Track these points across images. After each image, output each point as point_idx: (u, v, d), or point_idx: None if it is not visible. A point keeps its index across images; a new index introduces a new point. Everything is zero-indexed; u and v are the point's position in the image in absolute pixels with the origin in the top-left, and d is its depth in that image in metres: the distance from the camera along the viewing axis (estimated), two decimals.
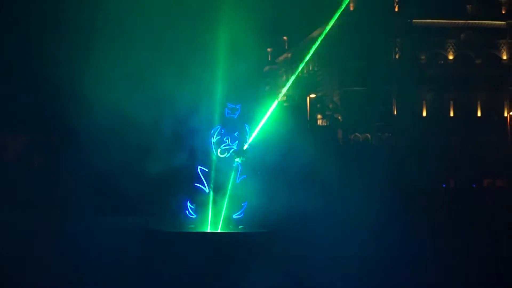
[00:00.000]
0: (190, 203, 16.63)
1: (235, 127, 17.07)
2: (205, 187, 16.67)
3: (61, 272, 19.43)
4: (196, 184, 16.62)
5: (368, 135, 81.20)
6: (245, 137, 17.11)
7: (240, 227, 16.93)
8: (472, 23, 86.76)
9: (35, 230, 22.24)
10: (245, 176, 17.02)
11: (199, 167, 16.76)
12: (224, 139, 16.87)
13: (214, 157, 16.86)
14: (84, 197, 22.53)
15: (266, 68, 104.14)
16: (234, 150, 17.01)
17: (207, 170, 16.74)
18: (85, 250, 19.91)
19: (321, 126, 76.13)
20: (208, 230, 16.59)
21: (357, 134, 79.78)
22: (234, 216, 16.93)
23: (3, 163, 26.79)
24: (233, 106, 17.06)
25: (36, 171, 25.64)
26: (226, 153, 16.94)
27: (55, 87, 25.90)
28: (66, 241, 21.33)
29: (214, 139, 16.89)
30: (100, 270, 18.12)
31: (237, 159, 16.86)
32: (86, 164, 23.11)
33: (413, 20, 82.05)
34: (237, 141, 17.00)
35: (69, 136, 24.91)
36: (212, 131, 16.93)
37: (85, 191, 22.52)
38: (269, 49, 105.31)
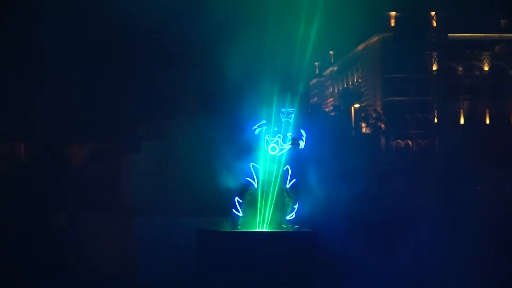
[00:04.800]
0: (240, 198, 16.01)
1: (289, 129, 16.31)
2: (255, 182, 16.03)
3: (124, 266, 19.40)
4: (246, 178, 15.99)
5: (409, 142, 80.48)
6: (300, 140, 16.26)
7: (295, 226, 16.27)
8: (506, 36, 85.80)
9: (100, 229, 22.03)
10: (295, 180, 16.37)
11: (251, 163, 16.09)
12: (277, 136, 16.09)
13: (266, 152, 16.08)
14: (145, 199, 22.23)
15: (314, 80, 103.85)
16: (292, 137, 16.13)
17: (258, 167, 16.07)
18: (146, 247, 19.72)
19: (365, 134, 75.60)
20: (257, 230, 16.05)
21: (398, 140, 79.03)
22: (286, 218, 16.30)
23: (71, 169, 26.64)
24: (286, 110, 16.27)
25: (100, 176, 25.44)
26: (276, 151, 16.19)
27: (119, 96, 25.69)
28: (128, 239, 21.08)
29: (263, 133, 16.09)
30: (159, 264, 18.14)
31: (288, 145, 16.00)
32: (146, 169, 22.80)
33: (449, 34, 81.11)
34: (290, 143, 16.22)
35: (131, 144, 24.68)
36: (261, 125, 16.12)
37: (146, 193, 22.21)
38: (316, 63, 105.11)
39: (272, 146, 16.04)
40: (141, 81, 24.13)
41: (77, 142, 27.40)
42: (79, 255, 20.43)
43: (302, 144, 16.11)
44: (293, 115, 16.22)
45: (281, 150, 16.08)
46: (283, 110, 16.16)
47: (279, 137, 16.10)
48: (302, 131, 16.21)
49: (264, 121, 16.06)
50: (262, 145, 16.03)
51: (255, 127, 16.05)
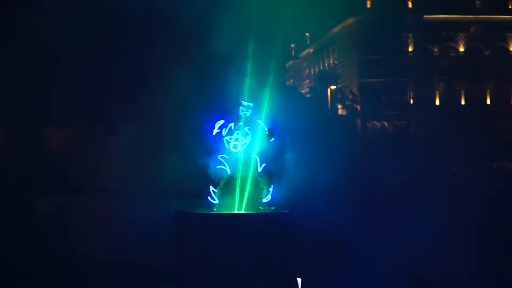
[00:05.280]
0: (214, 187, 16.34)
1: (248, 124, 16.58)
2: (227, 168, 16.35)
3: (105, 247, 19.62)
4: (218, 167, 16.29)
5: (385, 123, 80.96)
6: (262, 131, 16.58)
7: (272, 208, 16.61)
8: (481, 17, 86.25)
9: (78, 212, 22.26)
10: (266, 164, 16.68)
11: (219, 156, 16.37)
12: (235, 133, 16.40)
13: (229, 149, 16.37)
14: (123, 182, 22.50)
15: (290, 62, 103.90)
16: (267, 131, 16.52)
17: (227, 156, 16.38)
18: (125, 229, 19.99)
19: (341, 115, 75.98)
20: (235, 212, 16.37)
21: (374, 122, 79.49)
22: (263, 201, 16.64)
23: (50, 153, 26.80)
24: (247, 104, 16.56)
25: (79, 160, 25.63)
26: (239, 148, 16.50)
27: (97, 81, 25.82)
28: (107, 221, 21.36)
29: (224, 134, 16.37)
30: (139, 245, 18.41)
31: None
32: (124, 152, 23.06)
33: (425, 16, 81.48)
34: (249, 136, 16.56)
35: (110, 128, 24.87)
36: (219, 126, 16.41)
37: (123, 177, 22.49)
38: (292, 45, 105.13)
39: (234, 144, 16.34)
40: (121, 65, 24.25)
41: (55, 125, 27.49)
42: (60, 237, 20.61)
43: (272, 137, 16.49)
44: (251, 110, 16.48)
45: (243, 145, 16.39)
46: (245, 104, 16.41)
47: (238, 133, 16.40)
48: (262, 123, 16.50)
49: (222, 121, 16.33)
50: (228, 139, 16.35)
51: (216, 129, 16.33)
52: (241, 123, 16.38)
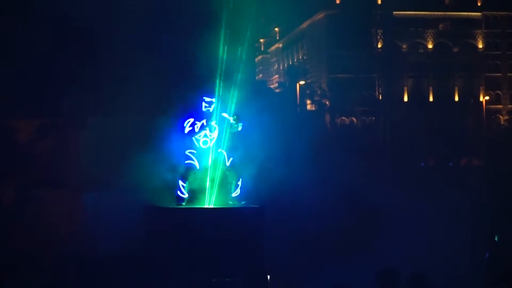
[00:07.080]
0: (183, 181, 16.29)
1: (212, 119, 16.54)
2: (196, 163, 16.31)
3: (75, 242, 19.54)
4: (186, 162, 16.25)
5: (354, 119, 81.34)
6: (227, 124, 16.57)
7: (242, 202, 16.59)
8: (450, 14, 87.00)
9: (45, 206, 22.11)
10: (233, 158, 16.67)
11: (186, 151, 16.33)
12: (202, 130, 16.36)
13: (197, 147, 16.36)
14: (91, 175, 22.39)
15: (259, 57, 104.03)
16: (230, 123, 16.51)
17: (195, 151, 16.33)
18: (92, 223, 19.90)
19: (310, 111, 76.16)
20: (205, 206, 16.35)
21: (343, 117, 79.80)
22: (232, 195, 16.61)
23: (18, 145, 26.58)
24: (210, 100, 16.53)
25: (46, 152, 25.45)
26: (209, 144, 16.48)
27: (64, 72, 25.62)
28: (76, 215, 21.25)
29: (197, 131, 16.35)
30: (106, 240, 18.34)
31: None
32: (93, 144, 22.94)
33: (394, 12, 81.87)
34: (216, 130, 16.54)
35: (77, 119, 24.72)
36: (185, 124, 16.38)
37: (91, 170, 22.37)
38: (261, 40, 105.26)
39: (204, 141, 16.30)
40: (89, 57, 24.09)
41: (22, 118, 27.26)
42: (27, 231, 20.51)
43: (239, 127, 16.50)
44: (213, 105, 16.44)
45: (211, 140, 16.35)
46: (207, 101, 16.36)
47: (205, 128, 16.32)
48: (226, 115, 16.47)
49: (191, 120, 16.27)
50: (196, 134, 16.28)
51: (188, 127, 16.25)
52: (214, 122, 16.29)
